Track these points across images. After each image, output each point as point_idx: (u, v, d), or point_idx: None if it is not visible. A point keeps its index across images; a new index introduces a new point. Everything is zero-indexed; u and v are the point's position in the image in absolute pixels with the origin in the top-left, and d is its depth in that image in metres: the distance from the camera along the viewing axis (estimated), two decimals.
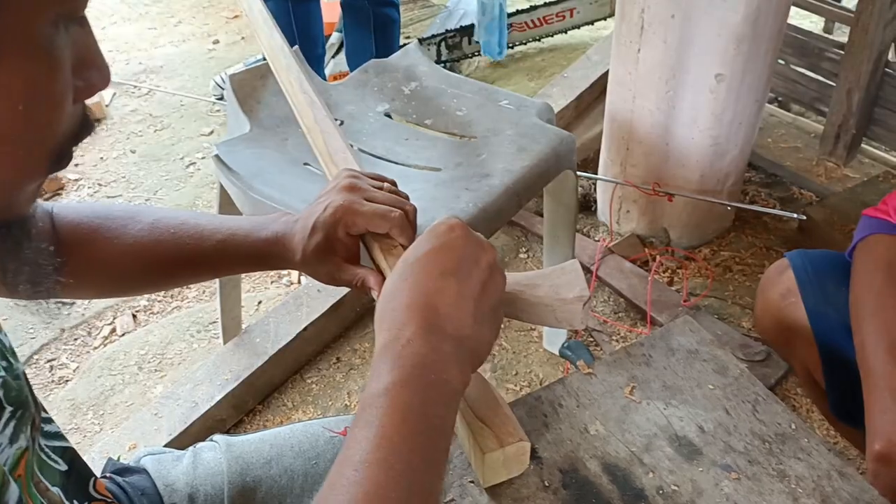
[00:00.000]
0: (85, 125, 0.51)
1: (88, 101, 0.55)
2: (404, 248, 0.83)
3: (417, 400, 0.54)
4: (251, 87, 1.46)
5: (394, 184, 0.85)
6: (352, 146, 1.07)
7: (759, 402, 0.81)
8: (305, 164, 1.33)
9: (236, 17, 3.37)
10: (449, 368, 0.57)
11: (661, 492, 0.73)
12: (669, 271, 1.95)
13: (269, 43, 1.12)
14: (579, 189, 2.07)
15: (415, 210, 0.84)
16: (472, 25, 2.72)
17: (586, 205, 2.15)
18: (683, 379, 0.83)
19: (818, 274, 1.11)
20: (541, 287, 0.83)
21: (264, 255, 0.82)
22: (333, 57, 2.60)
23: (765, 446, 0.77)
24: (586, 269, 1.92)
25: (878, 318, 0.97)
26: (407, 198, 0.86)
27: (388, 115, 1.50)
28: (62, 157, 0.50)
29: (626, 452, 0.76)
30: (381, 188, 0.81)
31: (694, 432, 0.78)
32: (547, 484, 0.74)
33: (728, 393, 0.82)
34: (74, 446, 0.69)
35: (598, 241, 2.04)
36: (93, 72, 0.49)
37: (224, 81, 2.64)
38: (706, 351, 0.87)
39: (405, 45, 1.67)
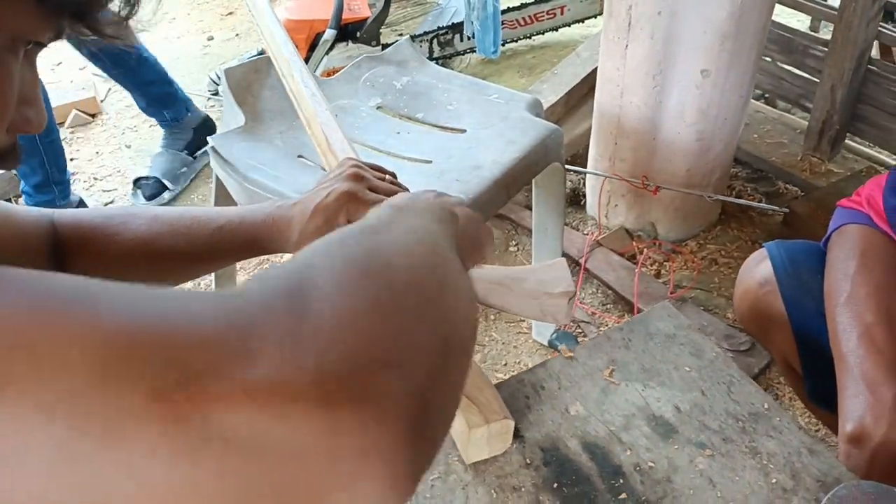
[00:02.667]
0: (11, 155, 0.53)
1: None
2: None
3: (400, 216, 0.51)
4: (246, 81, 1.49)
5: (394, 176, 0.88)
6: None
7: (733, 384, 0.85)
8: (299, 156, 1.36)
9: (230, 13, 3.39)
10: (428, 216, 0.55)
11: (638, 468, 0.76)
12: (656, 264, 1.98)
13: (272, 37, 1.15)
14: (569, 184, 2.11)
15: None
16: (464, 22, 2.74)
17: (575, 199, 2.18)
18: (661, 362, 0.87)
19: (794, 263, 1.14)
20: (528, 281, 0.87)
21: (259, 238, 0.83)
22: (327, 54, 2.63)
23: (738, 425, 0.81)
24: (575, 262, 1.95)
25: (851, 306, 1.00)
26: (407, 191, 0.89)
27: (380, 109, 1.53)
28: None
29: (605, 431, 0.80)
30: (383, 179, 0.84)
31: (670, 412, 0.82)
32: (529, 461, 0.77)
33: (704, 375, 0.86)
34: None
35: (587, 234, 2.07)
36: (30, 110, 0.52)
37: (219, 77, 2.66)
38: (683, 335, 0.90)
39: (396, 42, 1.70)
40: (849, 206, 1.11)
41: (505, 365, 1.78)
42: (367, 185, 0.82)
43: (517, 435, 0.79)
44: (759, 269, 1.17)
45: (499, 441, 0.76)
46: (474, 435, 0.73)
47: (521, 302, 0.86)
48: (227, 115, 1.53)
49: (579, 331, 1.85)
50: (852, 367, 0.96)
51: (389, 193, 0.84)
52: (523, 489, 0.74)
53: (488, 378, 0.79)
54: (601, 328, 1.84)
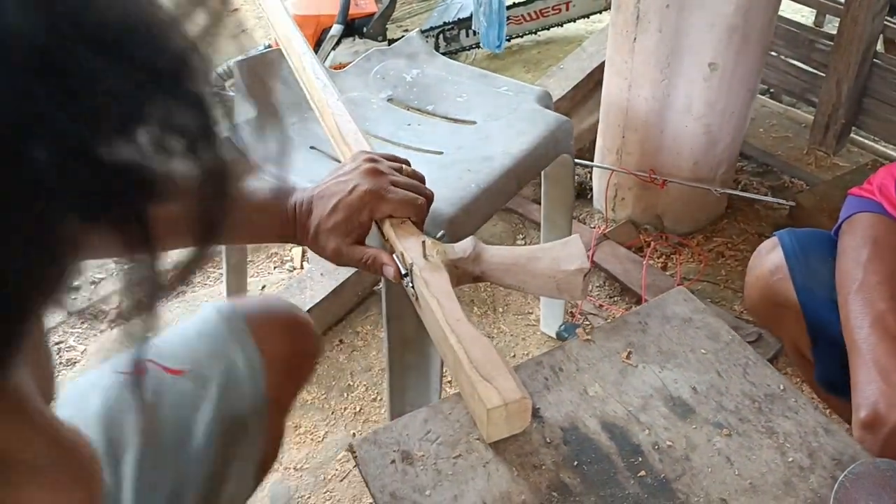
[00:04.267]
0: None
1: None
2: (414, 223, 0.87)
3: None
4: (258, 73, 1.50)
5: (407, 163, 0.88)
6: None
7: (749, 366, 0.86)
8: (312, 147, 1.37)
9: (235, 9, 3.39)
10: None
11: (656, 447, 0.77)
12: (663, 257, 1.99)
13: (283, 30, 1.16)
14: (576, 177, 2.12)
15: (433, 195, 0.88)
16: (470, 18, 2.75)
17: (582, 193, 2.19)
18: (678, 344, 0.88)
19: (805, 251, 1.15)
20: (543, 260, 0.88)
21: (281, 233, 0.85)
22: (333, 49, 2.63)
23: (755, 405, 0.81)
24: None
25: (863, 293, 1.01)
26: (422, 179, 0.89)
27: (391, 101, 1.53)
28: None
29: (623, 412, 0.81)
30: (400, 171, 0.85)
31: (687, 393, 0.83)
32: (549, 441, 0.78)
33: (720, 357, 0.87)
34: None
35: (594, 228, 2.08)
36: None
37: (225, 72, 2.67)
38: (699, 318, 0.91)
39: (403, 37, 1.71)
40: (860, 194, 1.12)
41: (514, 357, 1.79)
42: (389, 181, 0.82)
43: (536, 415, 0.80)
44: (770, 256, 1.18)
45: (518, 420, 0.77)
46: (493, 414, 0.74)
47: (536, 281, 0.87)
48: (238, 107, 1.54)
49: (587, 323, 1.85)
50: (865, 355, 0.97)
51: (410, 189, 0.84)
52: (543, 467, 0.75)
53: (506, 360, 0.79)
54: (608, 320, 1.85)
